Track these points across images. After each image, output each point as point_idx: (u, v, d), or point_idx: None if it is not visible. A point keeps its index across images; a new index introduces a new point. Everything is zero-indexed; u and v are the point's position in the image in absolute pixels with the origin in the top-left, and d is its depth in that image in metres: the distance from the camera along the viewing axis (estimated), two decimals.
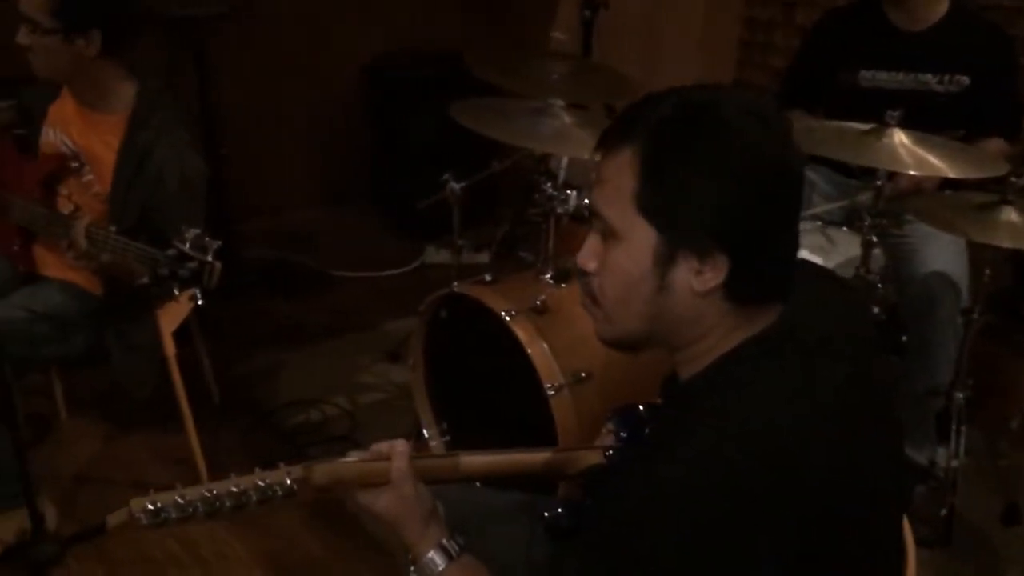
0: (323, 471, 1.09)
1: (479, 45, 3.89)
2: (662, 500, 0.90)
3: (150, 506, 0.99)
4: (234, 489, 1.02)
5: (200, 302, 1.69)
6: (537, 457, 1.28)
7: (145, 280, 1.72)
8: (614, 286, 1.04)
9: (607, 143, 1.03)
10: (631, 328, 1.05)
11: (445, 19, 3.92)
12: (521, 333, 2.05)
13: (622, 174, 1.00)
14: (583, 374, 2.05)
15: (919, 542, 2.29)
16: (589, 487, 1.28)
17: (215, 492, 1.01)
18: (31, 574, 2.10)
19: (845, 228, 2.41)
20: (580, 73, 2.71)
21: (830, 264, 2.28)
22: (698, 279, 0.99)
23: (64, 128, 2.16)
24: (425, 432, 2.41)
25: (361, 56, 3.80)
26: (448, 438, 2.41)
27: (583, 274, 1.07)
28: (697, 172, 0.97)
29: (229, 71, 3.41)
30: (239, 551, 2.26)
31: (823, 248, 2.38)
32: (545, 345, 2.05)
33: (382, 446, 1.15)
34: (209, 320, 3.02)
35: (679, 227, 0.98)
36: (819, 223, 2.47)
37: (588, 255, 1.06)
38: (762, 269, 1.01)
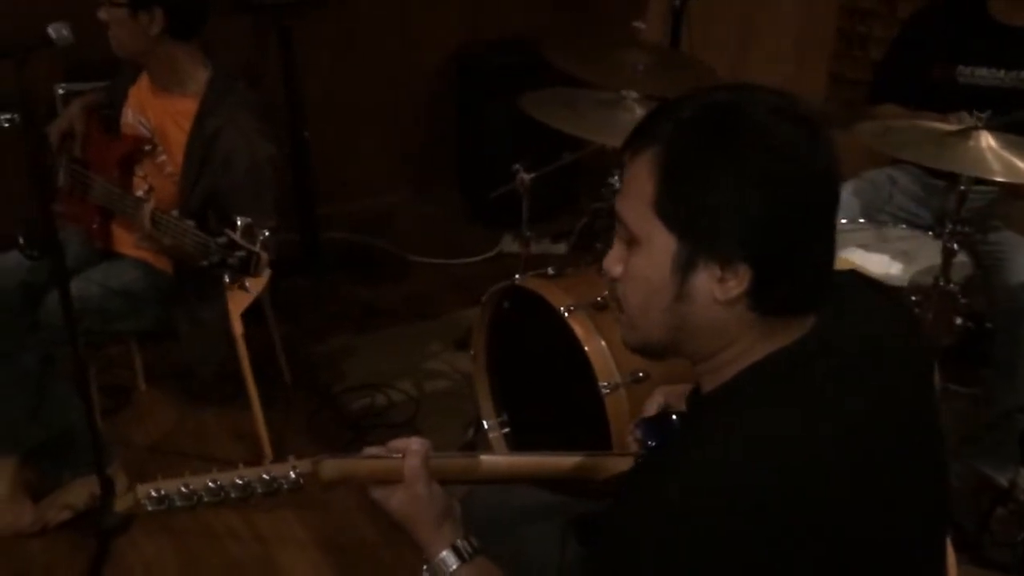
0: (331, 467, 1.09)
1: (562, 34, 3.85)
2: (661, 514, 0.87)
3: (153, 492, 1.00)
4: (238, 481, 1.02)
5: (248, 290, 1.71)
6: (565, 461, 1.24)
7: (204, 263, 1.75)
8: (635, 292, 1.01)
9: (631, 145, 0.99)
10: (653, 335, 1.02)
11: (532, 6, 3.88)
12: (579, 329, 2.02)
13: (642, 178, 0.97)
14: (640, 374, 2.00)
15: (997, 566, 2.18)
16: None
17: (219, 483, 1.01)
18: (98, 540, 2.18)
19: (930, 233, 2.29)
20: (665, 65, 2.64)
21: (910, 271, 2.17)
22: (720, 287, 0.95)
23: (141, 110, 2.23)
24: (485, 423, 2.41)
25: (448, 43, 3.80)
26: (507, 430, 2.41)
27: (611, 280, 1.04)
28: (718, 176, 0.93)
29: (315, 56, 3.46)
30: (297, 531, 2.30)
31: (906, 253, 2.27)
32: (603, 342, 2.01)
33: (398, 443, 1.14)
34: (286, 300, 3.10)
35: (699, 233, 0.94)
36: (902, 226, 2.35)
37: (613, 260, 1.03)
38: (788, 280, 0.95)
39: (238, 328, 2.32)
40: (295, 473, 1.05)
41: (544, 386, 2.30)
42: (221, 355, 2.34)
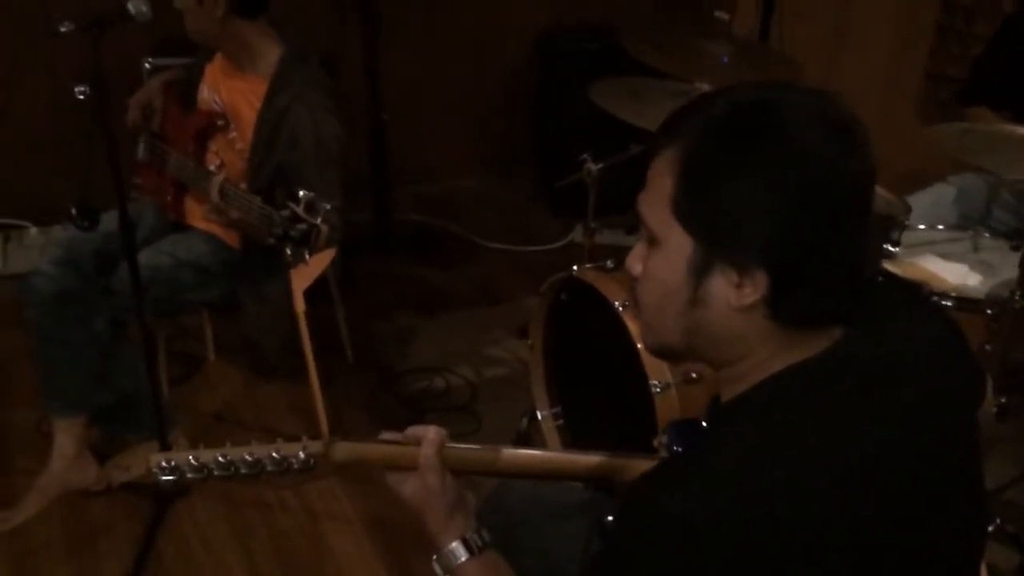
0: (343, 449, 1.09)
1: (646, 22, 3.79)
2: (661, 524, 0.84)
3: (164, 463, 1.02)
4: (248, 457, 1.03)
5: (307, 263, 1.73)
6: (589, 460, 1.22)
7: (271, 242, 1.78)
8: (651, 293, 0.98)
9: (656, 142, 0.95)
10: (669, 339, 0.98)
11: None
12: (632, 325, 1.98)
13: (663, 176, 0.93)
14: (693, 375, 1.96)
15: None
16: None
17: (228, 458, 1.03)
18: (156, 503, 2.25)
19: (1012, 244, 2.16)
20: (750, 58, 2.55)
21: (989, 283, 2.06)
22: (736, 293, 0.91)
23: (215, 87, 2.28)
24: (539, 414, 2.39)
25: (530, 29, 3.78)
26: (561, 422, 2.39)
27: (631, 279, 1.01)
28: (736, 178, 0.89)
29: (396, 38, 3.48)
30: (346, 507, 2.33)
31: (988, 264, 2.15)
32: None
33: (416, 431, 1.14)
34: (355, 280, 3.14)
35: (715, 237, 0.91)
36: (987, 236, 2.23)
37: (634, 259, 1.00)
38: (808, 289, 0.91)
39: (300, 305, 2.36)
40: (305, 453, 1.05)
41: (599, 380, 2.27)
42: (284, 331, 2.39)
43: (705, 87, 2.32)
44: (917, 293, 1.09)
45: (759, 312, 0.91)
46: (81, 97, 1.77)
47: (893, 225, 2.06)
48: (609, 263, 2.20)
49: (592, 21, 3.75)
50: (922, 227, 2.28)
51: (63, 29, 1.83)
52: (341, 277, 2.79)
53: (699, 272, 0.92)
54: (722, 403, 0.98)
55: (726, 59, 2.47)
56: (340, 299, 2.79)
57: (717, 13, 2.57)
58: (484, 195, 3.89)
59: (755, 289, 0.90)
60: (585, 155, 2.42)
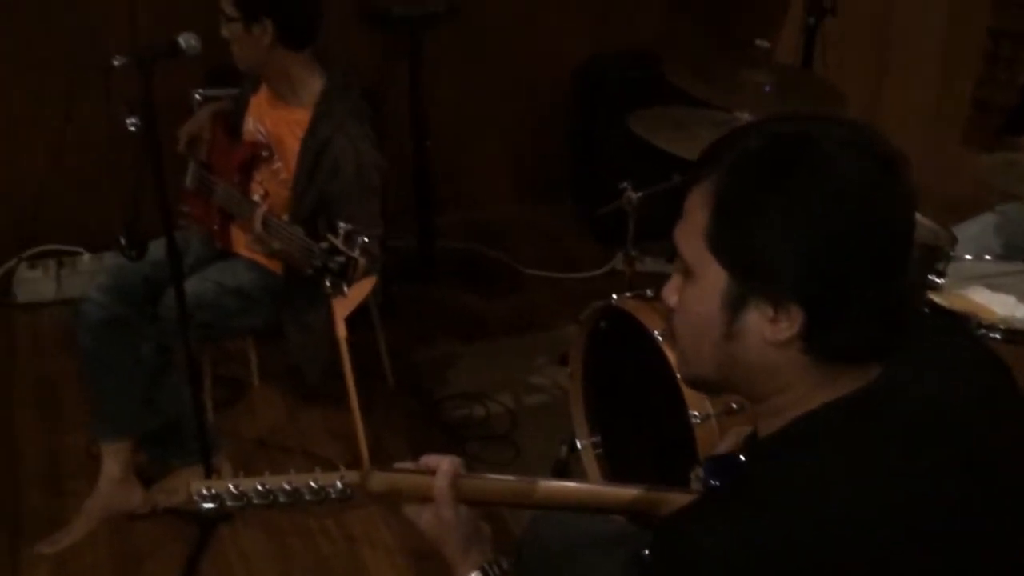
0: (379, 480, 1.10)
1: (688, 50, 3.79)
2: (691, 564, 0.84)
3: (204, 491, 1.04)
4: (286, 486, 1.05)
5: (345, 294, 1.75)
6: (624, 493, 1.21)
7: (311, 272, 1.82)
8: (686, 325, 0.98)
9: (693, 174, 0.96)
10: (704, 371, 0.98)
11: (656, 22, 3.84)
12: (672, 355, 1.97)
13: (698, 208, 0.93)
14: (734, 405, 1.94)
15: None
16: None
17: (267, 487, 1.04)
18: (200, 527, 2.28)
19: None
20: (793, 87, 2.54)
21: None
22: (771, 328, 0.90)
23: (260, 118, 2.33)
24: (578, 443, 2.39)
25: (574, 57, 3.80)
26: (601, 451, 2.38)
27: (668, 310, 1.01)
28: (771, 212, 0.88)
29: (440, 67, 3.52)
30: (386, 535, 2.34)
31: None
32: None
33: (430, 460, 1.14)
34: (397, 306, 3.17)
35: (750, 270, 0.90)
36: None
37: (670, 290, 1.00)
38: (846, 325, 0.90)
39: (341, 331, 2.39)
40: (342, 483, 1.07)
41: (639, 410, 2.26)
42: (326, 357, 2.41)
43: (746, 116, 2.33)
44: (963, 326, 1.07)
45: (795, 347, 0.91)
46: (132, 129, 1.82)
47: (939, 256, 2.03)
48: (649, 292, 2.20)
49: (633, 50, 3.77)
50: (969, 257, 2.24)
51: (116, 63, 1.89)
52: (383, 303, 2.82)
53: (734, 306, 0.92)
54: (759, 438, 0.97)
55: (768, 88, 2.46)
56: (381, 325, 2.82)
57: (758, 41, 2.56)
58: (525, 222, 3.90)
59: (791, 324, 0.89)
60: (625, 184, 2.43)
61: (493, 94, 3.77)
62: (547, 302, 3.42)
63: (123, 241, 1.79)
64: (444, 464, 1.13)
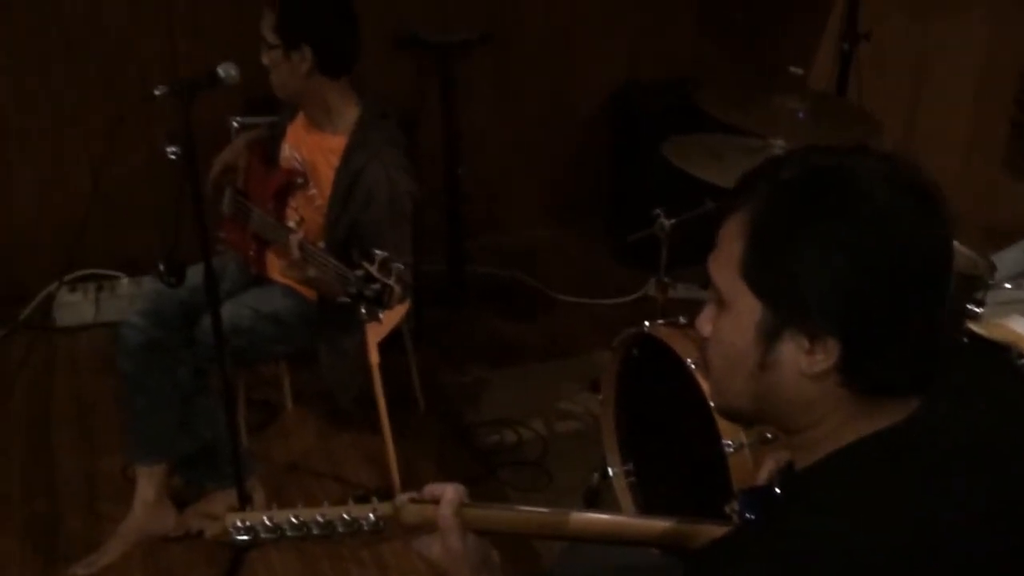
0: (412, 512, 1.10)
1: (723, 77, 3.79)
2: None
3: (239, 523, 1.05)
4: (319, 519, 1.05)
5: (380, 321, 1.77)
6: (656, 525, 1.20)
7: (343, 299, 1.83)
8: (720, 356, 0.97)
9: (727, 204, 0.95)
10: (738, 402, 0.97)
11: (689, 49, 3.85)
12: (705, 383, 1.96)
13: (732, 239, 0.93)
14: (768, 435, 1.92)
15: None
16: None
17: (301, 519, 1.05)
18: (233, 551, 2.29)
19: None
20: (827, 114, 2.53)
21: None
22: (807, 360, 0.89)
23: (296, 145, 2.36)
24: (610, 470, 2.37)
25: (607, 84, 3.82)
26: (633, 479, 2.36)
27: (702, 340, 1.00)
28: (806, 244, 0.88)
29: (472, 93, 3.55)
30: (419, 563, 2.32)
31: None
32: None
33: (434, 489, 1.13)
34: (428, 330, 3.18)
35: (785, 302, 0.89)
36: None
37: (703, 320, 1.00)
38: (883, 358, 0.89)
39: (374, 357, 2.40)
40: (375, 516, 1.07)
41: (671, 438, 2.25)
42: (359, 382, 2.43)
43: (781, 143, 2.32)
44: (1003, 356, 1.06)
45: (831, 379, 0.90)
46: (172, 157, 1.85)
47: (977, 285, 2.00)
48: (682, 319, 2.19)
49: (667, 77, 3.78)
50: (1008, 286, 2.21)
51: (157, 93, 1.93)
52: (414, 327, 2.83)
53: (769, 337, 0.91)
54: (795, 471, 0.96)
55: (802, 114, 2.45)
56: (413, 350, 2.83)
57: (792, 68, 2.56)
58: (557, 247, 3.91)
59: (827, 356, 0.89)
60: (658, 210, 2.43)
61: (525, 120, 3.80)
62: (578, 328, 3.41)
63: (162, 268, 1.81)
64: (448, 492, 1.12)
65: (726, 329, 0.95)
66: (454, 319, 3.41)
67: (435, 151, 3.40)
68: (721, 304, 0.96)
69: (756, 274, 0.91)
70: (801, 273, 0.88)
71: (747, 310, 0.92)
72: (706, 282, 3.05)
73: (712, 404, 1.03)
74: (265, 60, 2.22)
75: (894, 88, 3.58)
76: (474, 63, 3.48)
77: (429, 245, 3.15)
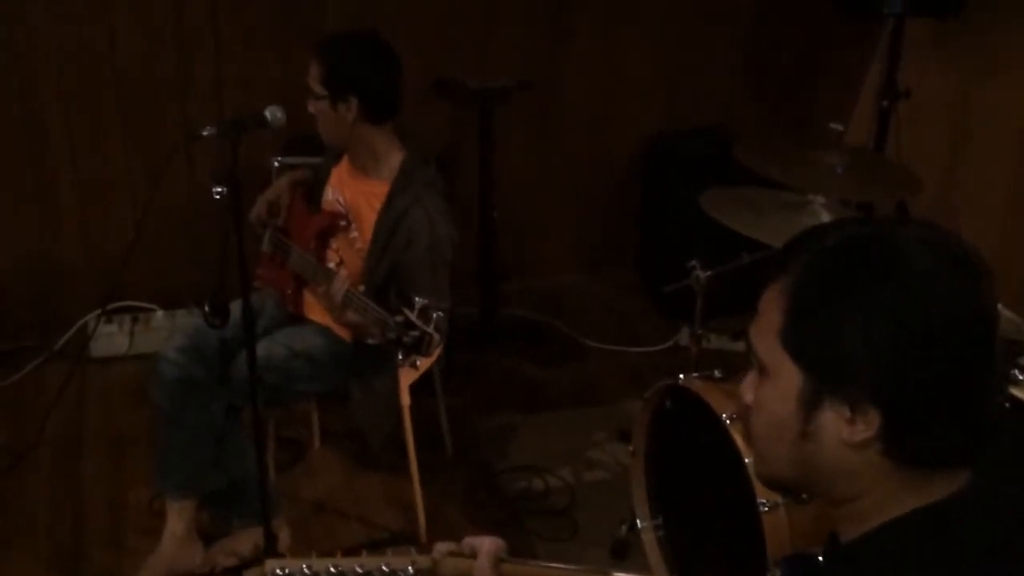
0: (451, 565, 1.09)
1: (759, 129, 3.80)
2: None
3: (279, 571, 1.04)
4: (358, 569, 1.05)
5: (418, 368, 1.77)
6: None
7: (372, 341, 1.84)
8: (761, 424, 0.97)
9: (768, 271, 0.96)
10: (781, 471, 0.97)
11: (725, 100, 3.87)
12: (740, 439, 1.94)
13: (772, 307, 0.93)
14: (804, 495, 1.89)
15: None
16: None
17: (340, 569, 1.04)
18: None
19: None
20: (865, 170, 2.52)
21: None
22: (848, 429, 0.89)
23: (340, 188, 2.39)
24: (639, 523, 2.35)
25: (643, 131, 3.84)
26: (662, 533, 2.33)
27: (744, 407, 1.00)
28: (848, 312, 0.87)
29: (509, 138, 3.59)
30: None
31: None
32: None
33: (472, 541, 1.13)
34: (459, 372, 3.18)
35: (825, 371, 0.89)
36: None
37: (746, 387, 1.00)
38: (926, 430, 0.88)
39: (405, 399, 2.40)
40: (413, 568, 1.06)
41: (703, 493, 2.22)
42: (390, 424, 2.43)
43: (820, 199, 2.32)
44: None
45: (874, 449, 0.89)
46: (217, 197, 1.87)
47: (1020, 349, 1.98)
48: (717, 372, 2.18)
49: (703, 126, 3.80)
50: None
51: (205, 133, 1.96)
52: (445, 369, 2.83)
53: (809, 405, 0.91)
54: (841, 542, 0.95)
55: (840, 170, 2.45)
56: (443, 393, 2.83)
57: (832, 124, 2.56)
58: (589, 293, 3.91)
59: (868, 426, 0.88)
60: (694, 262, 2.42)
61: (561, 166, 3.82)
62: (608, 375, 3.40)
63: (207, 309, 1.83)
64: (486, 544, 1.12)
65: (767, 397, 0.95)
66: (484, 362, 3.41)
67: (471, 195, 3.42)
68: (762, 372, 0.96)
69: (796, 342, 0.91)
70: (840, 342, 0.88)
71: (788, 378, 0.92)
72: (738, 333, 3.06)
73: (756, 473, 1.02)
74: (311, 109, 2.26)
75: (933, 146, 3.57)
76: (512, 109, 3.52)
77: (461, 288, 3.16)
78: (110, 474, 2.76)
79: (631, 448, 2.35)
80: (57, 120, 3.19)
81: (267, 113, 2.01)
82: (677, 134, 3.79)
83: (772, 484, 1.01)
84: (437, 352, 2.50)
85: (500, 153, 3.49)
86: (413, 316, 1.77)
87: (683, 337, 3.59)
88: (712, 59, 3.83)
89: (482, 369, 3.37)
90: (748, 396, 1.00)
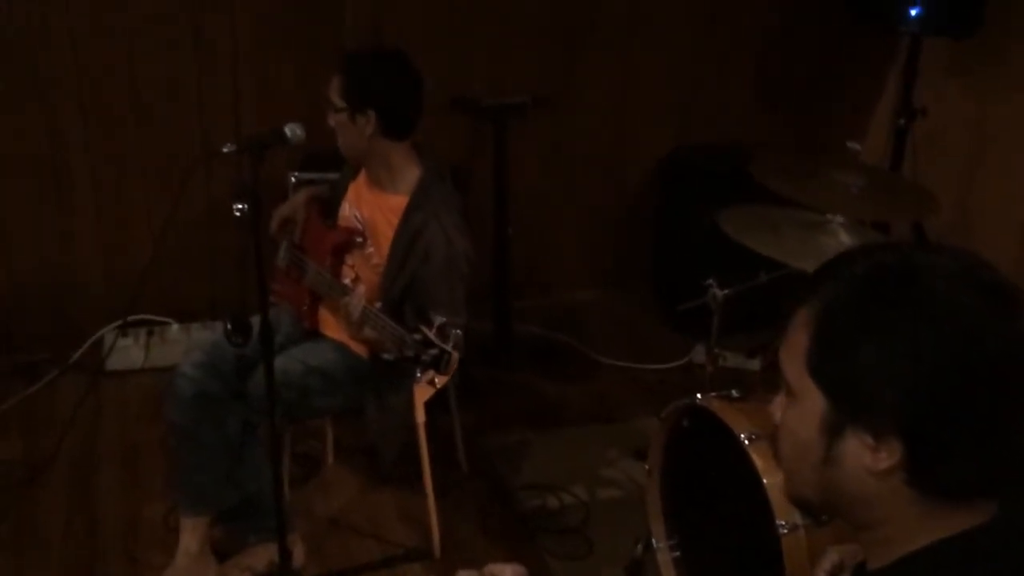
0: None
1: (773, 147, 3.79)
2: None
3: None
4: None
5: (437, 386, 1.77)
6: None
7: (388, 357, 1.84)
8: (787, 445, 0.98)
9: (798, 296, 0.96)
10: (805, 492, 0.98)
11: (740, 118, 3.87)
12: (759, 460, 1.93)
13: (800, 332, 0.94)
14: (824, 517, 1.88)
15: None
16: None
17: None
18: None
19: None
20: (881, 189, 2.51)
21: None
22: (871, 457, 0.89)
23: (357, 204, 2.39)
24: (654, 543, 2.33)
25: (657, 148, 3.84)
26: (678, 554, 2.32)
27: (775, 426, 1.00)
28: (870, 341, 0.87)
29: (524, 155, 3.60)
30: None
31: None
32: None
33: (494, 568, 1.13)
34: (472, 389, 3.17)
35: (848, 398, 0.89)
36: None
37: (776, 407, 1.01)
38: (952, 461, 0.87)
39: (420, 416, 2.40)
40: None
41: (720, 514, 2.20)
42: (404, 440, 2.42)
43: (839, 219, 2.31)
44: None
45: (897, 478, 0.89)
46: (238, 214, 1.88)
47: None
48: (734, 392, 2.17)
49: (718, 143, 3.79)
50: None
51: (225, 150, 1.96)
52: (459, 385, 2.82)
53: (832, 432, 0.91)
54: (869, 571, 0.94)
55: (855, 189, 2.44)
56: (457, 409, 2.82)
57: (849, 144, 2.55)
58: (603, 309, 3.90)
59: (890, 455, 0.88)
60: (711, 280, 2.41)
61: (575, 182, 3.82)
62: (621, 392, 3.38)
63: (229, 327, 1.83)
64: (508, 572, 1.12)
65: (793, 420, 0.96)
66: (498, 378, 3.40)
67: (485, 210, 3.43)
68: (790, 394, 0.97)
69: (820, 368, 0.92)
70: (864, 371, 0.88)
71: (812, 403, 0.93)
72: (753, 351, 3.03)
73: (783, 491, 1.02)
74: (331, 122, 2.27)
75: (949, 165, 3.56)
76: (527, 125, 3.52)
77: (475, 304, 3.15)
78: (125, 488, 2.75)
79: (647, 467, 2.33)
80: (76, 134, 3.21)
81: (287, 130, 2.01)
82: (692, 151, 3.79)
83: (799, 504, 1.02)
84: (454, 368, 2.50)
85: (514, 169, 3.50)
86: (431, 334, 1.77)
87: (697, 354, 3.57)
88: (727, 76, 3.83)
89: (495, 385, 3.36)
90: (777, 415, 1.00)
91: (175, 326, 3.41)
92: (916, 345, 0.86)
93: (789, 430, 0.97)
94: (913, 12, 3.12)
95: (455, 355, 1.75)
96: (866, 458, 0.89)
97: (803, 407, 0.94)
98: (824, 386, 0.92)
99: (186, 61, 3.22)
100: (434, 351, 1.75)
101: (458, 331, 1.78)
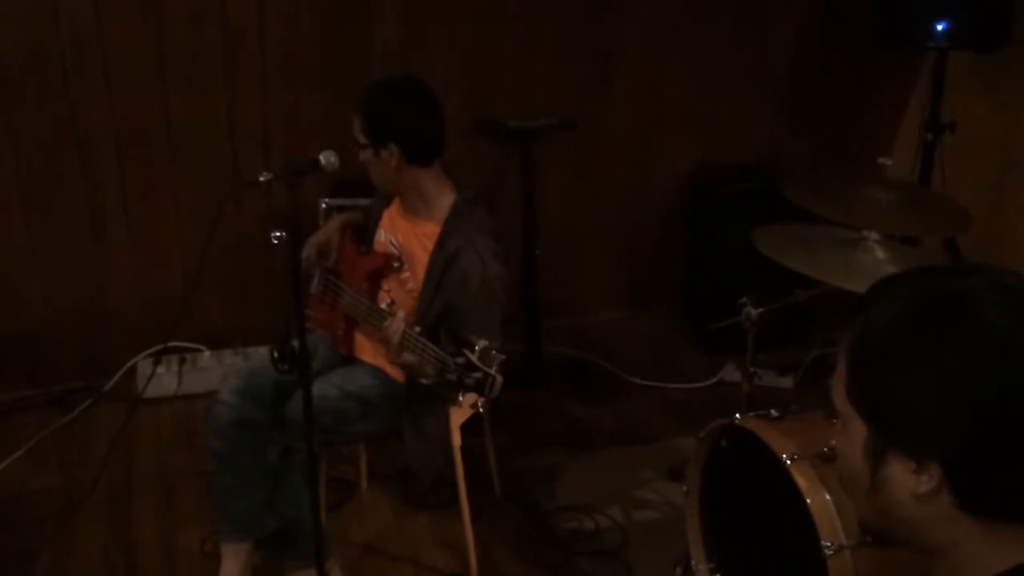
0: None
1: (801, 164, 3.79)
2: None
3: None
4: None
5: (481, 410, 1.77)
6: None
7: (426, 381, 1.84)
8: (843, 471, 0.99)
9: (845, 323, 0.96)
10: (866, 517, 0.99)
11: (766, 136, 3.87)
12: (802, 480, 1.91)
13: (842, 359, 0.95)
14: (870, 537, 1.86)
15: None
16: None
17: None
18: None
19: None
20: (911, 204, 2.50)
21: None
22: (915, 481, 0.89)
23: (392, 230, 2.41)
24: (694, 565, 2.31)
25: (684, 168, 3.84)
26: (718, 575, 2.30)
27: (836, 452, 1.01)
28: (909, 369, 0.88)
29: (551, 176, 3.61)
30: None
31: None
32: (829, 497, 1.89)
33: None
34: (504, 411, 3.16)
35: (885, 423, 0.91)
36: None
37: (833, 433, 1.01)
38: (995, 483, 0.87)
39: (457, 440, 2.39)
40: None
41: (762, 535, 2.18)
42: (440, 463, 2.42)
43: (874, 235, 2.30)
44: None
45: (945, 501, 0.89)
46: (276, 242, 1.88)
47: None
48: (774, 412, 2.15)
49: (745, 162, 3.79)
50: None
51: (262, 179, 1.97)
52: (491, 409, 2.82)
53: (875, 457, 0.93)
54: None
55: (885, 204, 2.43)
56: (490, 431, 2.82)
57: (880, 159, 2.54)
58: (632, 329, 3.89)
59: (931, 479, 0.89)
60: (744, 299, 2.41)
61: (603, 203, 3.83)
62: (653, 412, 3.37)
63: (275, 355, 1.84)
64: None
65: (843, 445, 0.98)
66: (529, 400, 3.39)
67: (513, 232, 3.44)
68: (840, 420, 0.98)
69: (858, 395, 0.93)
70: (900, 397, 0.89)
71: (856, 429, 0.94)
72: (784, 369, 3.02)
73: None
74: (361, 158, 2.30)
75: (978, 179, 3.54)
76: (554, 147, 3.54)
77: (505, 325, 3.15)
78: (160, 515, 2.76)
79: (685, 488, 2.32)
80: (110, 164, 3.24)
81: (322, 157, 2.03)
82: (719, 169, 3.79)
83: (866, 530, 1.02)
84: None
85: (542, 191, 3.51)
86: (475, 358, 1.77)
87: (727, 373, 3.56)
88: (754, 94, 3.83)
89: (526, 407, 3.35)
90: (832, 442, 1.02)
91: (207, 353, 3.43)
92: (953, 372, 0.87)
93: (842, 456, 0.99)
94: (939, 27, 3.12)
95: (499, 379, 1.75)
96: (909, 482, 0.90)
97: (850, 433, 0.96)
98: (863, 412, 0.93)
99: (216, 91, 3.26)
100: (478, 375, 1.76)
101: (502, 356, 1.78)
